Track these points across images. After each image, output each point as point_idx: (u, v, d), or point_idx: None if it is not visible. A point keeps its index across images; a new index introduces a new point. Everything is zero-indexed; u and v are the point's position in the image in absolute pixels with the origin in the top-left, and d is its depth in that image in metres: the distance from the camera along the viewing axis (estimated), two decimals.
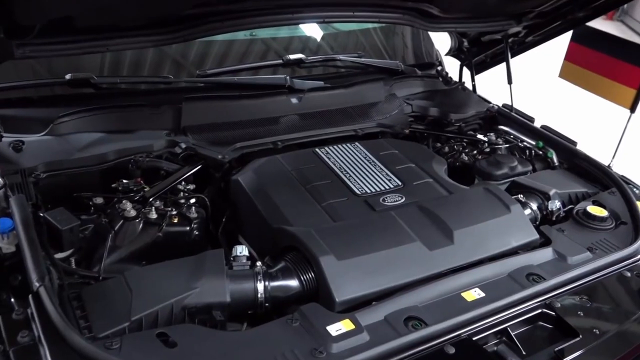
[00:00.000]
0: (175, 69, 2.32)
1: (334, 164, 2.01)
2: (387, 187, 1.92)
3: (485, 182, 2.07)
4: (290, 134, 2.19)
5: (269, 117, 2.23)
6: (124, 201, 1.72)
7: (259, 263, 1.57)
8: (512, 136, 2.57)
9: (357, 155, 2.09)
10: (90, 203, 1.76)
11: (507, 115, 2.68)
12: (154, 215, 1.73)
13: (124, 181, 1.83)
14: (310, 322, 1.40)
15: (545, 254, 1.77)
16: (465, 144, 2.45)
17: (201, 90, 2.21)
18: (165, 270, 1.50)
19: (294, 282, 1.54)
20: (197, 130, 2.09)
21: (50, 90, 2.10)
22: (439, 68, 3.04)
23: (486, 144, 2.43)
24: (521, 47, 2.78)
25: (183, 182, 1.92)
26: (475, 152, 2.40)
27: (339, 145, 2.12)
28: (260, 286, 1.50)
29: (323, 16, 1.94)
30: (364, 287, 1.52)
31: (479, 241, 1.73)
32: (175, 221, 1.75)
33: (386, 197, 1.86)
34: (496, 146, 2.42)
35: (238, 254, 1.59)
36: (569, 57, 2.66)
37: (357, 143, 2.16)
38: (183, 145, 2.01)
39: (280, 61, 2.40)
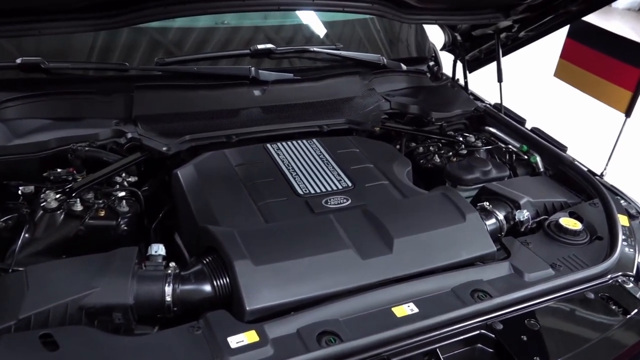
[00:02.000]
0: (145, 55, 2.22)
1: (282, 161, 1.89)
2: (335, 188, 1.79)
3: (446, 187, 1.91)
4: (248, 127, 2.08)
5: (228, 109, 2.12)
6: (47, 191, 1.65)
7: (172, 264, 1.47)
8: (496, 138, 2.40)
9: (310, 152, 1.96)
10: (19, 192, 1.69)
11: (495, 116, 2.51)
12: (78, 207, 1.65)
13: (58, 170, 1.76)
14: (212, 331, 1.29)
15: (500, 269, 1.61)
16: (441, 145, 2.29)
17: (159, 79, 2.12)
18: (70, 267, 1.42)
19: (206, 287, 1.43)
20: (148, 121, 2.00)
21: (0, 73, 2.05)
22: (431, 63, 2.87)
23: (463, 146, 2.26)
24: (515, 43, 2.59)
25: (123, 174, 1.84)
26: (450, 153, 2.24)
27: (294, 142, 1.99)
28: (168, 289, 1.40)
29: (277, 3, 1.81)
30: (280, 296, 1.40)
31: (423, 251, 1.58)
32: (102, 214, 1.67)
33: (330, 199, 1.73)
34: (474, 148, 2.25)
35: (153, 253, 1.49)
36: (565, 54, 2.46)
37: (314, 140, 2.03)
38: (129, 135, 1.93)
39: (247, 51, 2.29)
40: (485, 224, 1.76)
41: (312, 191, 1.76)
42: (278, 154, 1.92)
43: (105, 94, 2.03)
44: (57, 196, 1.64)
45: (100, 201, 1.69)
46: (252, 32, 2.42)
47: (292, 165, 1.87)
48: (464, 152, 2.24)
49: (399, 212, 1.70)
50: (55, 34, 1.79)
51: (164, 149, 1.90)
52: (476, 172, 2.06)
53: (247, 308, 1.35)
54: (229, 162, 1.85)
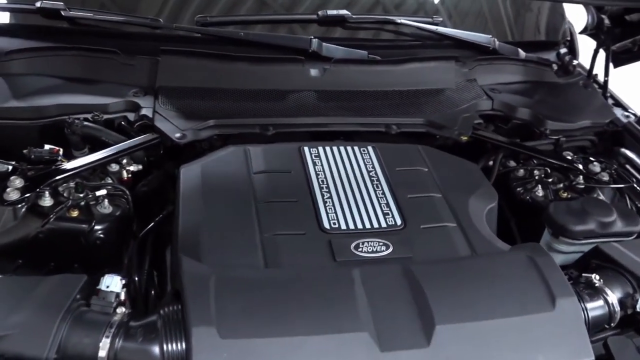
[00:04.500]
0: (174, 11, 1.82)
1: (317, 175, 1.41)
2: (376, 226, 1.30)
3: (536, 246, 1.33)
4: (293, 117, 1.62)
5: (272, 90, 1.68)
6: (12, 177, 1.33)
7: (121, 309, 1.09)
8: (635, 169, 1.75)
9: (358, 166, 1.47)
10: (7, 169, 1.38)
11: (639, 136, 1.83)
12: (46, 201, 1.31)
13: (39, 149, 1.43)
14: None
15: None
16: (550, 171, 1.68)
17: (191, 42, 1.71)
18: None
19: (154, 350, 1.04)
20: (171, 95, 1.62)
21: (22, 17, 1.75)
22: (563, 50, 2.20)
23: (580, 177, 1.65)
24: None
25: (125, 161, 1.49)
26: (561, 185, 1.64)
27: (340, 148, 1.51)
28: (104, 342, 1.02)
29: None
30: None
31: (477, 351, 1.08)
32: (73, 215, 1.32)
33: (364, 243, 1.25)
34: (597, 184, 1.63)
35: (103, 287, 1.12)
36: None
37: (369, 148, 1.53)
38: (142, 112, 1.56)
39: (314, 16, 1.80)
40: (586, 311, 1.20)
41: (344, 226, 1.29)
42: (315, 163, 1.45)
43: (130, 54, 1.67)
44: (22, 184, 1.31)
45: (80, 196, 1.34)
46: None
47: (327, 183, 1.40)
48: (582, 186, 1.63)
49: (456, 278, 1.19)
50: None
51: (177, 135, 1.51)
52: (591, 221, 1.46)
53: None
54: (247, 166, 1.41)
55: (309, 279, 1.14)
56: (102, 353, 1.02)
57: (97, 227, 1.32)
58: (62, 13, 1.66)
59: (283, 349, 1.01)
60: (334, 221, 1.29)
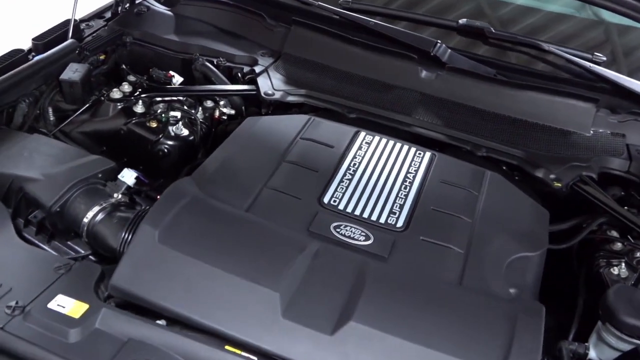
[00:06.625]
0: None
1: (353, 158, 1.39)
2: (374, 219, 1.23)
3: (538, 306, 1.08)
4: (380, 109, 1.61)
5: (376, 80, 1.68)
6: (123, 83, 1.62)
7: (118, 195, 1.29)
8: None
9: (403, 164, 1.39)
10: (128, 78, 1.71)
11: None
12: (139, 108, 1.58)
13: (160, 71, 1.71)
14: (72, 279, 1.09)
15: None
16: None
17: (328, 21, 1.81)
18: (49, 148, 1.38)
19: (116, 234, 1.21)
20: (289, 61, 1.76)
21: None
22: None
23: None
24: None
25: (222, 102, 1.68)
26: None
27: (397, 143, 1.45)
28: (89, 214, 1.23)
29: None
30: (154, 293, 1.06)
31: None
32: (152, 125, 1.55)
33: (347, 227, 1.20)
34: None
35: (120, 177, 1.33)
36: None
37: (428, 152, 1.43)
38: (256, 68, 1.73)
39: (454, 24, 1.74)
40: None
41: (342, 207, 1.26)
42: (360, 147, 1.43)
43: (275, 19, 1.86)
44: (129, 90, 1.60)
45: (164, 113, 1.58)
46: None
47: (357, 167, 1.37)
48: None
49: (405, 292, 1.08)
50: None
51: (268, 92, 1.64)
52: None
53: (111, 281, 1.08)
54: (300, 130, 1.46)
55: (266, 232, 1.16)
56: (85, 220, 1.23)
57: (162, 141, 1.54)
58: None
59: (199, 273, 1.07)
60: (335, 199, 1.27)
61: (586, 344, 1.23)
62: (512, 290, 1.17)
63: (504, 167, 1.56)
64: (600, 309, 1.21)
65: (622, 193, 1.56)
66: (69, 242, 1.29)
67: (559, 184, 1.47)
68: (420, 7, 1.73)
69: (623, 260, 1.34)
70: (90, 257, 1.27)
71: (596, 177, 1.50)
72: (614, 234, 1.43)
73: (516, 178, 1.51)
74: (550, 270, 1.44)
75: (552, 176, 1.48)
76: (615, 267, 1.33)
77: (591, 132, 1.61)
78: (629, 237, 1.42)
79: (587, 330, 1.23)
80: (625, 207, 1.49)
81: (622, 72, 1.83)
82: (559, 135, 1.59)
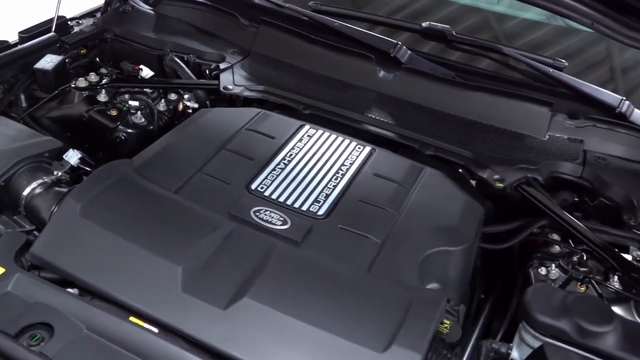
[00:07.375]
0: None
1: (292, 148, 1.42)
2: (296, 206, 1.26)
3: (439, 297, 1.07)
4: (333, 106, 1.64)
5: (333, 79, 1.71)
6: (90, 73, 1.70)
7: (60, 173, 1.35)
8: None
9: (340, 156, 1.42)
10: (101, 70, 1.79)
11: None
12: (102, 97, 1.66)
13: (128, 64, 1.79)
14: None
15: None
16: (587, 258, 1.32)
17: (293, 20, 1.85)
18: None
19: (49, 206, 1.26)
20: (256, 59, 1.81)
21: None
22: None
23: (617, 278, 1.25)
24: None
25: (187, 95, 1.74)
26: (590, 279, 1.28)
27: (338, 137, 1.48)
28: (29, 188, 1.30)
29: None
30: (68, 263, 1.11)
31: (262, 337, 0.99)
32: (112, 113, 1.63)
33: (267, 213, 1.23)
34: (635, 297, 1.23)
35: (65, 156, 1.40)
36: None
37: (367, 147, 1.45)
38: (221, 65, 1.78)
39: (416, 26, 1.75)
40: None
41: (267, 193, 1.28)
42: (301, 140, 1.45)
43: (249, 20, 1.91)
44: (96, 80, 1.68)
45: (124, 102, 1.65)
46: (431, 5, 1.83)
47: (293, 158, 1.39)
48: (613, 289, 1.24)
49: (306, 274, 1.10)
50: None
51: (228, 86, 1.69)
52: (568, 320, 1.12)
53: (30, 249, 1.14)
54: (246, 122, 1.50)
55: (186, 212, 1.20)
56: (25, 193, 1.29)
57: (121, 129, 1.60)
58: None
59: (113, 246, 1.12)
60: (262, 186, 1.30)
61: (510, 344, 1.21)
62: (432, 284, 1.17)
63: (460, 170, 1.56)
64: (518, 307, 1.20)
65: (576, 199, 1.54)
66: (15, 217, 1.36)
67: (501, 185, 1.46)
68: (424, 19, 1.74)
69: (556, 262, 1.32)
70: (35, 232, 1.33)
71: (543, 180, 1.48)
72: (555, 237, 1.41)
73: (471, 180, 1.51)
74: (498, 271, 1.44)
75: (495, 176, 1.47)
76: (544, 268, 1.30)
77: (547, 136, 1.59)
78: (569, 240, 1.40)
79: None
80: (578, 213, 1.48)
81: (619, 90, 1.83)
82: (512, 138, 1.58)
